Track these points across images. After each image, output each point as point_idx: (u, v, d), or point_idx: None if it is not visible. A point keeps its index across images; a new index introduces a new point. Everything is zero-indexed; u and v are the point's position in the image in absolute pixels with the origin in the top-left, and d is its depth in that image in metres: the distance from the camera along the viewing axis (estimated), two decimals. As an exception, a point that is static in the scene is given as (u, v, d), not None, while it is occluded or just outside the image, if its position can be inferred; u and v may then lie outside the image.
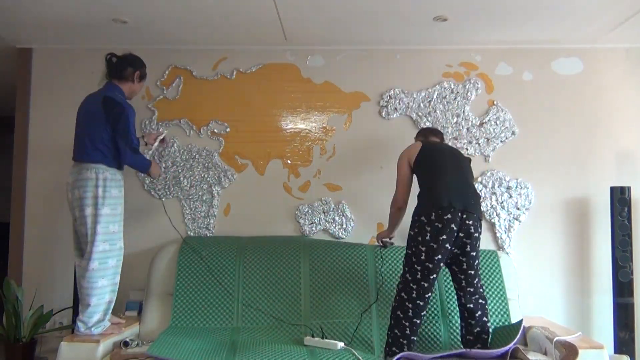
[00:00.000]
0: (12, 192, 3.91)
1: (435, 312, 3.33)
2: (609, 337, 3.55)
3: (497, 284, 3.45)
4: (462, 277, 2.99)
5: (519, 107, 3.87)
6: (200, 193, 3.86)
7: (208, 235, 3.82)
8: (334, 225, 3.82)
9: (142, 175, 3.80)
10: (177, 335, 3.09)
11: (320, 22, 3.54)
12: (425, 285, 2.89)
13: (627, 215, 3.55)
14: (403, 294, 2.95)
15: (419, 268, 2.90)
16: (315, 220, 3.82)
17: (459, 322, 3.17)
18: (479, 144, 3.86)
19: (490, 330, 3.07)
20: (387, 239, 3.54)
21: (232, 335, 3.21)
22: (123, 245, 3.15)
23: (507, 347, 2.83)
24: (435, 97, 3.89)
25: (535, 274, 3.78)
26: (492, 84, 3.90)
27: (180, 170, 3.87)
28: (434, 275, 2.89)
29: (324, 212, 3.83)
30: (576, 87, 3.88)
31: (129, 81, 3.25)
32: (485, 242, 3.78)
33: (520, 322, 2.99)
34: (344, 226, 3.82)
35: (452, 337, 3.25)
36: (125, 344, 2.99)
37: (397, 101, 3.88)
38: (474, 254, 2.96)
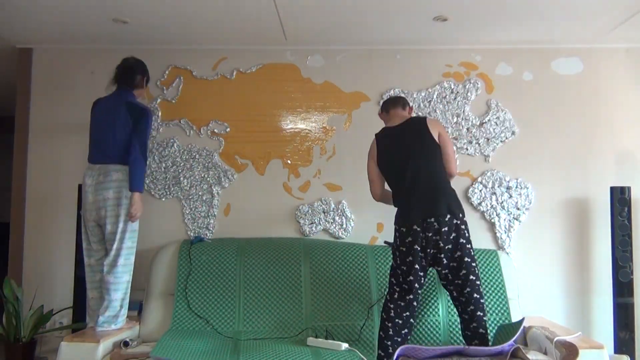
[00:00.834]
0: (12, 192, 3.91)
1: (435, 309, 3.34)
2: (609, 337, 3.55)
3: (497, 284, 3.45)
4: (446, 272, 2.96)
5: (519, 107, 3.87)
6: (200, 193, 3.86)
7: (208, 235, 3.82)
8: (334, 225, 3.82)
9: (147, 180, 3.84)
10: (179, 338, 3.09)
11: (320, 22, 3.54)
12: (406, 287, 2.95)
13: (627, 215, 3.55)
14: (387, 296, 3.03)
15: (399, 272, 2.97)
16: (315, 220, 3.82)
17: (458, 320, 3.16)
18: (479, 144, 3.86)
19: (488, 324, 3.05)
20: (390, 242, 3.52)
21: (235, 336, 3.20)
22: None
23: (505, 345, 2.83)
24: (435, 97, 3.89)
25: (535, 274, 3.77)
26: (492, 84, 3.90)
27: (180, 170, 3.87)
28: (411, 278, 2.92)
29: (324, 212, 3.83)
30: (576, 87, 3.88)
31: (139, 87, 3.43)
32: (485, 242, 3.78)
33: (522, 320, 2.99)
34: (344, 226, 3.82)
35: (452, 335, 3.25)
36: (125, 344, 2.99)
37: (397, 101, 3.88)
38: (450, 246, 2.92)
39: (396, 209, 3.06)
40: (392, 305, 2.97)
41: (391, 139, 3.15)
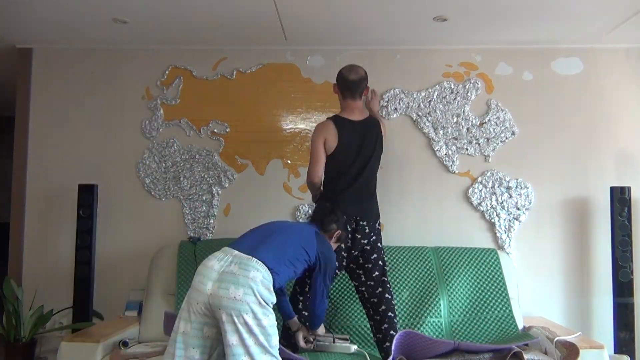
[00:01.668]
0: (12, 192, 3.91)
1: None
2: (609, 337, 3.55)
3: (497, 283, 3.45)
4: (361, 272, 3.03)
5: (519, 107, 3.87)
6: (200, 193, 3.86)
7: (208, 235, 3.82)
8: (334, 225, 3.81)
9: (147, 180, 3.79)
10: None
11: (320, 22, 3.54)
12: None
13: (627, 215, 3.55)
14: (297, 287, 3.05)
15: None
16: (315, 220, 3.82)
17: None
18: (479, 144, 3.86)
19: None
20: None
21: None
22: None
23: (503, 346, 2.83)
24: (435, 97, 3.89)
25: (535, 274, 3.77)
26: (492, 84, 3.90)
27: (180, 170, 3.87)
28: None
29: (324, 212, 3.83)
30: (576, 87, 3.88)
31: (329, 237, 2.87)
32: (486, 242, 3.78)
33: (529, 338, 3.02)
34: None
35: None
36: (125, 343, 2.99)
37: (397, 101, 3.88)
38: (368, 248, 3.02)
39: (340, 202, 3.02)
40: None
41: (352, 134, 3.03)
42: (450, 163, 3.84)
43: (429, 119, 3.87)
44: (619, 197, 3.57)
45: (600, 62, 3.90)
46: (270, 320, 2.40)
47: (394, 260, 3.52)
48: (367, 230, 3.02)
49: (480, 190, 3.81)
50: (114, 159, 3.87)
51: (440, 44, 3.88)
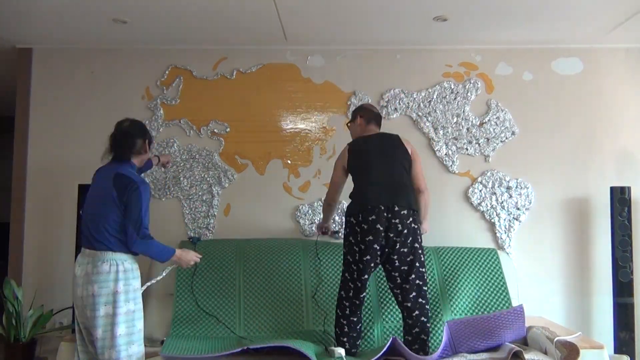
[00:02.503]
0: (12, 192, 3.91)
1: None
2: (609, 337, 3.55)
3: (498, 282, 3.44)
4: (397, 274, 2.96)
5: (519, 107, 3.87)
6: (200, 193, 3.86)
7: (208, 235, 3.82)
8: (333, 225, 3.81)
9: (147, 180, 3.73)
10: (183, 340, 3.08)
11: (320, 22, 3.54)
12: (359, 284, 2.98)
13: (627, 215, 3.55)
14: (342, 292, 3.04)
15: (354, 267, 2.98)
16: (315, 220, 3.82)
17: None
18: (479, 144, 3.86)
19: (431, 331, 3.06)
20: (326, 229, 3.55)
21: (237, 338, 3.19)
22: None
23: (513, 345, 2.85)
24: (435, 97, 3.89)
25: (535, 274, 3.78)
26: (492, 84, 3.90)
27: (180, 170, 3.87)
28: (366, 276, 2.96)
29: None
30: (576, 87, 3.88)
31: (141, 154, 2.78)
32: (486, 242, 3.79)
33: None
34: (344, 226, 3.81)
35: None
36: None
37: (397, 101, 3.88)
38: (405, 250, 2.94)
39: (352, 206, 3.05)
40: (347, 303, 3.01)
41: (366, 143, 3.16)
42: (450, 163, 3.84)
43: (429, 119, 3.87)
44: (619, 197, 3.57)
45: (600, 62, 3.90)
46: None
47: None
48: (399, 228, 2.92)
49: (480, 190, 3.81)
50: (114, 159, 3.87)
51: (440, 44, 3.88)
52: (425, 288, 2.98)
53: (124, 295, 2.56)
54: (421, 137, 3.87)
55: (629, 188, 3.59)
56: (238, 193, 3.87)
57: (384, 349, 2.76)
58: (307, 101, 3.92)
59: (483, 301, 3.40)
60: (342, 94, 3.91)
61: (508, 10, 3.30)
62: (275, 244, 3.64)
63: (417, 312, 2.94)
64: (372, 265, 2.95)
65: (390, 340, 2.76)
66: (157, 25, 3.59)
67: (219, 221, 3.85)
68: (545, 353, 2.93)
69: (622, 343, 3.48)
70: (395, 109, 3.88)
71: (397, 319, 3.25)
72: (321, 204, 3.83)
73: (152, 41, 3.85)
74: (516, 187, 3.81)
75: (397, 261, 2.93)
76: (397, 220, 2.91)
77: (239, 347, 2.81)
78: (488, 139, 3.86)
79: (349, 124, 3.34)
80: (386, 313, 3.32)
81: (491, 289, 3.43)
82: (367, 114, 3.27)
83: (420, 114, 3.87)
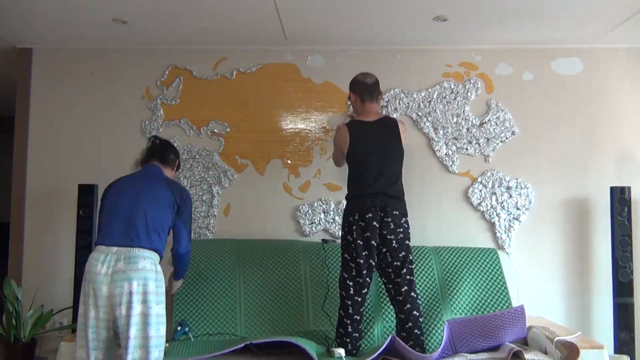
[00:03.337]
0: (12, 192, 3.91)
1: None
2: (609, 337, 3.55)
3: (498, 282, 3.44)
4: (390, 270, 3.03)
5: (519, 107, 3.87)
6: (200, 193, 3.86)
7: (208, 235, 3.82)
8: (334, 225, 3.81)
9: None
10: (184, 346, 3.08)
11: (320, 22, 3.54)
12: (360, 281, 3.01)
13: (627, 215, 3.55)
14: (342, 292, 3.05)
15: (352, 265, 3.02)
16: (315, 220, 3.82)
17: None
18: (479, 144, 3.86)
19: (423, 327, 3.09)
20: (328, 239, 3.60)
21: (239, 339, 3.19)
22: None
23: (512, 345, 2.84)
24: (435, 97, 3.89)
25: (535, 274, 3.77)
26: (492, 84, 3.90)
27: (180, 170, 3.86)
28: (365, 272, 3.01)
29: (324, 212, 3.83)
30: (576, 87, 3.88)
31: (170, 167, 2.95)
32: (486, 242, 3.79)
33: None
34: (342, 226, 3.81)
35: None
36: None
37: (397, 101, 3.88)
38: (397, 246, 3.01)
39: (350, 207, 3.10)
40: (349, 302, 3.03)
41: (366, 134, 3.13)
42: (450, 163, 3.84)
43: (429, 119, 3.87)
44: (619, 197, 3.57)
45: (600, 62, 3.90)
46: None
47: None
48: (392, 227, 3.01)
49: (480, 190, 3.81)
50: (114, 159, 3.86)
51: (440, 44, 3.88)
52: (415, 284, 3.07)
53: (155, 296, 2.53)
54: (421, 137, 3.87)
55: (629, 188, 3.59)
56: (238, 193, 3.87)
57: (383, 347, 2.76)
58: (307, 101, 3.92)
59: (483, 301, 3.40)
60: (342, 94, 3.91)
61: (508, 10, 3.29)
62: (276, 244, 3.63)
63: (409, 306, 2.99)
64: (370, 261, 3.00)
65: (390, 338, 2.76)
66: (157, 25, 3.59)
67: (219, 221, 3.85)
68: (545, 353, 2.92)
69: (622, 343, 3.48)
70: (395, 109, 3.88)
71: None
72: (321, 203, 3.83)
73: (152, 41, 3.85)
74: (516, 187, 3.81)
75: (390, 257, 3.01)
76: (389, 219, 3.01)
77: (241, 344, 2.82)
78: (488, 139, 3.86)
79: (349, 98, 3.31)
80: (386, 313, 3.32)
81: (491, 289, 3.43)
82: (359, 88, 3.18)
83: (420, 114, 3.87)
